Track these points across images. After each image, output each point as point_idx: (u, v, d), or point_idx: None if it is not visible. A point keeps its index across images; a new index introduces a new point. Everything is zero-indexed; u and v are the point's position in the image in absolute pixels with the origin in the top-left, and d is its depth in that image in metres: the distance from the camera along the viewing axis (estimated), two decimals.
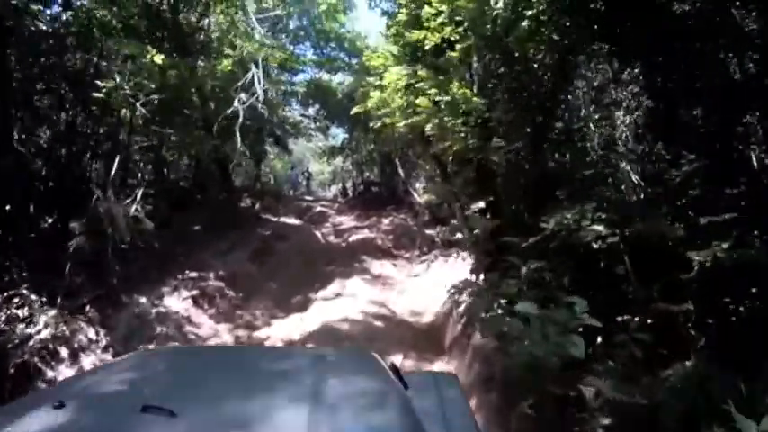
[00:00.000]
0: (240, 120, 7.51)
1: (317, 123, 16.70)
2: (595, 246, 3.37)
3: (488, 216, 4.38)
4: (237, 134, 7.47)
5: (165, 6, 8.47)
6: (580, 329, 2.73)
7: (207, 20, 9.18)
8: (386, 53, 6.40)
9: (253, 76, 7.27)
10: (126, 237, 6.87)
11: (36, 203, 6.92)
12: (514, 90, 4.48)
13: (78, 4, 7.61)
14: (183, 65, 7.68)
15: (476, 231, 4.81)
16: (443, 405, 1.88)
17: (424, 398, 1.82)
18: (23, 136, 7.33)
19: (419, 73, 4.73)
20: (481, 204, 4.15)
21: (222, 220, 10.10)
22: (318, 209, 15.54)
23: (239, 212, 11.77)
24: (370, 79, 6.64)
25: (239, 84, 7.61)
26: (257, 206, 13.18)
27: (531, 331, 2.16)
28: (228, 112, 7.51)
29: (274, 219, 12.67)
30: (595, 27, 4.00)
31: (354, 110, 6.86)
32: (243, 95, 7.44)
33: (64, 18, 7.47)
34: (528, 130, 4.25)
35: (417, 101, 4.84)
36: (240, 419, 1.29)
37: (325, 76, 15.10)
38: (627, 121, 4.73)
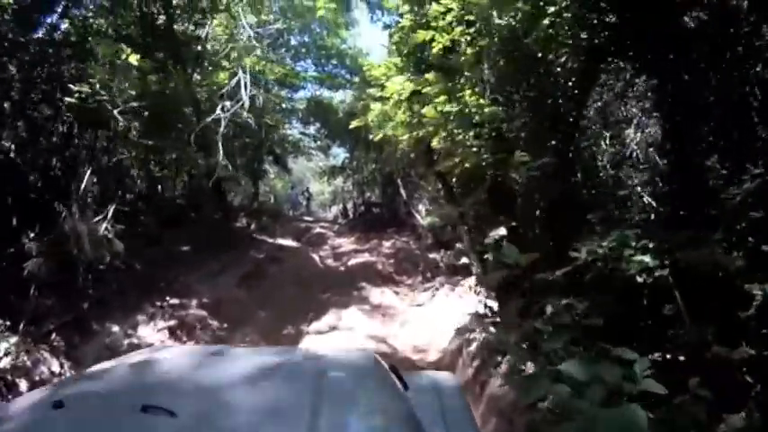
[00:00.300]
0: (222, 128, 7.00)
1: (318, 142, 16.45)
2: (640, 279, 2.79)
3: (504, 241, 3.82)
4: (219, 144, 6.92)
5: (160, 15, 8.16)
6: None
7: (204, 30, 8.84)
8: (388, 63, 5.98)
9: (239, 81, 6.79)
10: (103, 257, 6.32)
11: (20, 217, 6.42)
12: (534, 99, 3.96)
13: (77, 13, 7.44)
14: (179, 73, 7.28)
15: (486, 257, 4.24)
16: (443, 405, 1.89)
17: (425, 398, 1.85)
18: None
19: (426, 76, 4.24)
20: (502, 230, 3.59)
21: (215, 239, 9.60)
22: (317, 230, 15.04)
23: (234, 232, 11.27)
24: (371, 91, 6.19)
25: (224, 90, 7.14)
26: (252, 226, 12.64)
27: (580, 401, 1.59)
28: (209, 120, 6.99)
29: (270, 240, 12.12)
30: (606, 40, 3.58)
31: (354, 123, 6.37)
32: (228, 103, 6.96)
33: (63, 27, 7.29)
34: (553, 143, 3.70)
35: (424, 110, 4.33)
36: (240, 419, 1.28)
37: (326, 93, 14.87)
38: (638, 139, 4.33)
